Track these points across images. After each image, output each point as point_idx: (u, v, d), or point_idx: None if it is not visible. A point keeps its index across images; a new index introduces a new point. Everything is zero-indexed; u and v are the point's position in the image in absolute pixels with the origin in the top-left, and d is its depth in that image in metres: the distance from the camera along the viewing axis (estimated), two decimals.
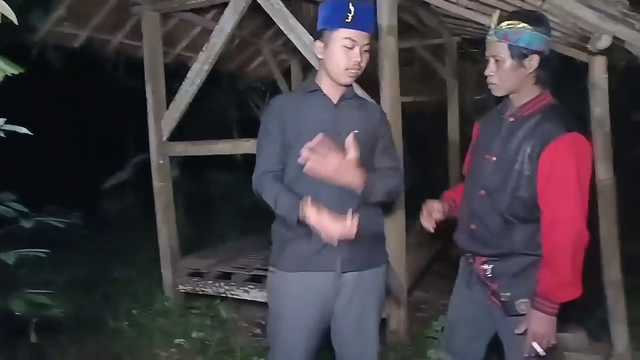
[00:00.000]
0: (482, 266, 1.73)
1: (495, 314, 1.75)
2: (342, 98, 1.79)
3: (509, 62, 1.62)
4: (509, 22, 1.61)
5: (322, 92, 1.78)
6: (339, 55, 1.69)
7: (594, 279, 2.55)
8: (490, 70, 1.67)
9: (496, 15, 1.66)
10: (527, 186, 1.61)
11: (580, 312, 3.10)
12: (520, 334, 1.62)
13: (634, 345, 2.73)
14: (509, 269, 1.67)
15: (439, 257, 4.56)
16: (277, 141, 1.75)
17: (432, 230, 1.86)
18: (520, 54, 1.61)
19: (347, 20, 1.65)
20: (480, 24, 3.09)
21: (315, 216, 1.60)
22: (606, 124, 2.65)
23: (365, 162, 1.78)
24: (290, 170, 1.75)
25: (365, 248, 1.78)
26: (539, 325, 1.57)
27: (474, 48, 5.64)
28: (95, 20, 3.69)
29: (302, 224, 1.65)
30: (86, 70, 5.70)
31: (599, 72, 2.65)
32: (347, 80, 1.74)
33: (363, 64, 1.73)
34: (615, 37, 2.24)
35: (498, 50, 1.63)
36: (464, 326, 1.89)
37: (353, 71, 1.71)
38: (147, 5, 3.60)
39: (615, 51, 2.51)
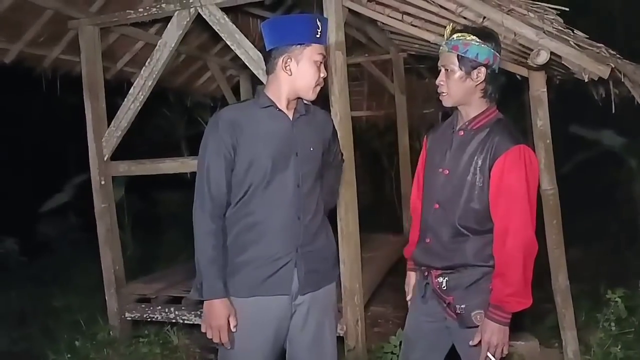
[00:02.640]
0: (437, 279, 1.74)
1: (451, 326, 1.75)
2: (297, 114, 1.75)
3: (457, 73, 1.67)
4: (460, 34, 1.66)
5: (278, 107, 1.71)
6: (312, 71, 1.66)
7: (542, 287, 2.62)
8: (440, 79, 1.71)
9: (449, 27, 1.71)
10: (479, 197, 1.65)
11: (531, 320, 3.19)
12: (475, 345, 1.63)
13: (582, 350, 2.82)
14: (462, 281, 1.69)
15: (394, 270, 4.58)
16: (224, 157, 1.65)
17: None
18: (468, 65, 1.65)
19: (317, 35, 1.63)
20: (426, 41, 3.17)
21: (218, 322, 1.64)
22: (548, 136, 2.75)
23: (317, 180, 1.78)
24: (244, 188, 1.67)
25: (320, 268, 1.75)
26: (492, 336, 1.59)
27: (420, 64, 5.79)
28: (28, 35, 3.49)
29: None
30: (20, 88, 5.40)
31: (538, 86, 2.75)
32: (313, 96, 1.71)
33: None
34: (552, 53, 2.34)
35: (448, 60, 1.67)
36: (420, 340, 1.88)
37: (319, 87, 1.71)
38: (85, 19, 3.44)
39: (552, 66, 2.63)
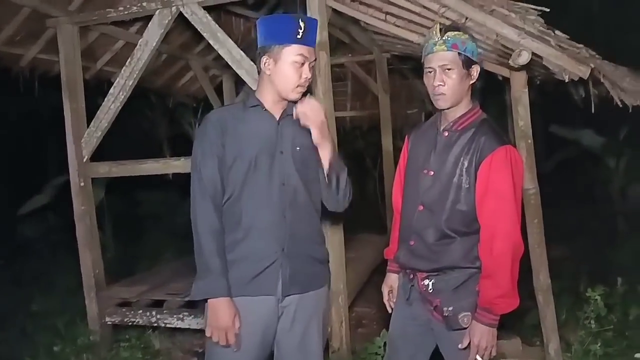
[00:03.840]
0: (423, 282, 1.73)
1: (437, 329, 1.75)
2: (284, 114, 1.74)
3: (459, 71, 1.64)
4: (454, 32, 1.64)
5: (264, 107, 1.72)
6: (290, 72, 1.65)
7: (523, 285, 2.64)
8: (439, 80, 1.64)
9: (437, 26, 1.67)
10: (466, 199, 1.65)
11: (513, 318, 3.21)
12: (463, 348, 1.63)
13: (564, 347, 2.85)
14: (449, 284, 1.68)
15: (379, 270, 4.58)
16: (216, 157, 1.67)
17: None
18: (468, 63, 1.65)
19: (298, 36, 1.61)
20: (409, 41, 3.17)
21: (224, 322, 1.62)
22: (529, 136, 2.78)
23: (307, 177, 1.75)
24: (230, 188, 1.69)
25: (307, 270, 1.74)
26: (481, 338, 1.59)
27: (403, 64, 5.81)
28: (4, 34, 3.40)
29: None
30: None
31: (520, 87, 2.78)
32: (296, 96, 1.70)
33: (310, 79, 1.70)
34: (534, 54, 2.36)
35: (448, 59, 1.62)
36: (405, 343, 1.87)
37: (302, 88, 1.68)
38: (64, 18, 3.36)
39: (533, 66, 2.65)
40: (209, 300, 1.64)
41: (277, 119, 1.73)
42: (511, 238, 1.58)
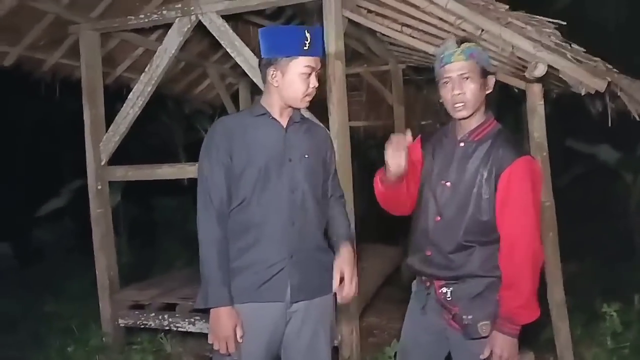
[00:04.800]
0: (441, 290, 1.71)
1: (453, 338, 1.72)
2: (291, 122, 1.76)
3: (478, 81, 1.65)
4: (470, 43, 1.66)
5: (271, 116, 1.74)
6: (299, 83, 1.67)
7: (538, 300, 2.62)
8: (459, 89, 1.64)
9: (453, 38, 1.70)
10: (486, 209, 1.64)
11: (526, 333, 3.17)
12: (484, 359, 1.61)
13: None
14: (468, 292, 1.66)
15: (389, 281, 4.57)
16: (222, 166, 1.68)
17: (402, 167, 1.62)
18: (485, 73, 1.67)
19: (304, 48, 1.63)
20: (425, 52, 3.19)
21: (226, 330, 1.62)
22: (544, 148, 2.77)
23: (314, 184, 1.76)
24: (240, 195, 1.69)
25: (314, 276, 1.74)
26: (503, 348, 1.58)
27: (418, 75, 5.82)
28: (28, 39, 3.49)
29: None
30: (18, 91, 5.39)
31: (535, 99, 2.78)
32: (304, 105, 1.73)
33: (316, 87, 1.72)
34: (550, 66, 2.36)
35: (467, 69, 1.63)
36: (417, 352, 1.86)
37: (310, 97, 1.71)
38: (86, 24, 3.45)
39: (549, 79, 2.65)
40: (211, 310, 1.65)
41: (285, 127, 1.75)
42: (531, 248, 1.58)
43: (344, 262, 1.74)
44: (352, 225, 2.92)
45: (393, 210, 1.87)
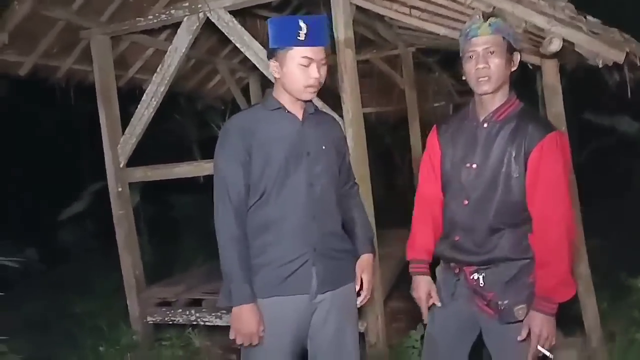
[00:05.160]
0: (472, 276, 1.69)
1: (487, 323, 1.71)
2: (306, 114, 1.76)
3: (503, 56, 1.62)
4: (497, 18, 1.63)
5: (286, 109, 1.73)
6: (297, 74, 1.65)
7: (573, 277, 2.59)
8: (484, 62, 1.61)
9: (479, 12, 1.71)
10: (516, 188, 1.62)
11: None
12: (522, 340, 1.60)
13: (606, 337, 2.79)
14: (501, 276, 1.65)
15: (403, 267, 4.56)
16: (240, 164, 1.67)
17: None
18: (511, 49, 1.64)
19: (299, 38, 1.61)
20: (435, 34, 3.15)
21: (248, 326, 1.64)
22: (562, 124, 2.72)
23: (333, 179, 1.77)
24: (259, 192, 1.69)
25: (337, 266, 1.75)
26: (542, 327, 1.56)
27: (428, 57, 5.76)
28: (41, 47, 3.53)
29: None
30: (35, 99, 5.48)
31: (552, 75, 2.73)
32: (308, 96, 1.70)
33: (322, 79, 1.69)
34: (565, 40, 2.32)
35: (493, 43, 1.60)
36: (446, 338, 1.84)
37: (313, 88, 1.68)
38: (96, 29, 3.48)
39: (565, 53, 2.60)
40: (233, 307, 1.66)
41: (301, 119, 1.74)
42: (565, 225, 1.56)
43: (363, 270, 1.80)
44: (371, 212, 2.94)
45: None
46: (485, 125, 1.69)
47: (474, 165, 1.69)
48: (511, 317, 1.62)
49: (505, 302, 1.62)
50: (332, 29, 2.81)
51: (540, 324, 1.56)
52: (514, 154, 1.61)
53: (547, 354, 1.59)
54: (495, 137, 1.65)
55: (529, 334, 1.59)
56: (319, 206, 1.72)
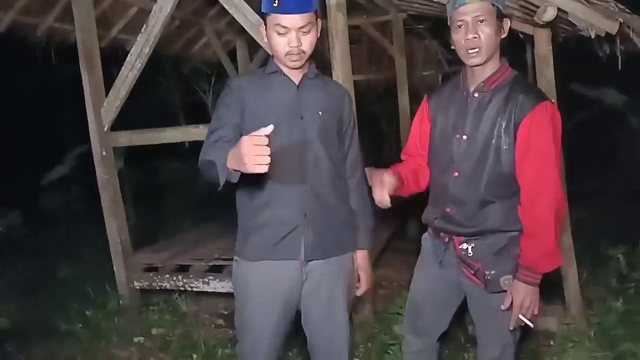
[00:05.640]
0: (461, 246, 1.70)
1: (472, 291, 1.73)
2: (304, 78, 1.72)
3: (493, 24, 1.57)
4: None
5: (283, 73, 1.71)
6: (275, 40, 1.62)
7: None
8: (473, 32, 1.56)
9: None
10: (506, 160, 1.60)
11: None
12: (505, 309, 1.63)
13: (585, 305, 2.88)
14: (489, 248, 1.66)
15: (397, 234, 4.62)
16: (234, 124, 1.66)
17: (389, 206, 1.59)
18: (501, 15, 1.59)
19: (274, 4, 1.56)
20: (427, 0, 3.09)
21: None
22: (553, 95, 2.72)
23: (329, 142, 1.74)
24: None
25: (331, 236, 1.74)
26: (525, 297, 1.58)
27: (419, 24, 5.67)
28: (20, 2, 3.39)
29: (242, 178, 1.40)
30: (13, 57, 5.29)
31: (544, 45, 2.71)
32: (292, 64, 1.66)
33: (306, 47, 1.63)
34: (559, 9, 2.28)
35: (482, 10, 1.55)
36: (430, 300, 1.87)
37: (294, 56, 1.63)
38: None
39: (558, 23, 2.57)
40: (230, 169, 1.39)
41: (297, 83, 1.71)
42: (554, 197, 1.55)
43: (360, 268, 1.86)
44: None
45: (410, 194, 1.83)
46: (476, 94, 1.66)
47: (464, 137, 1.66)
48: (497, 287, 1.64)
49: (492, 272, 1.64)
50: None
51: (523, 293, 1.58)
52: (504, 125, 1.59)
53: (528, 323, 1.62)
54: (487, 107, 1.63)
55: (512, 303, 1.61)
56: (311, 172, 1.70)
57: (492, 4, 1.56)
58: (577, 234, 2.89)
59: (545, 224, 1.55)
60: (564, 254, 2.75)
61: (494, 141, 1.61)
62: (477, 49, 1.58)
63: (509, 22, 1.62)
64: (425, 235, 1.91)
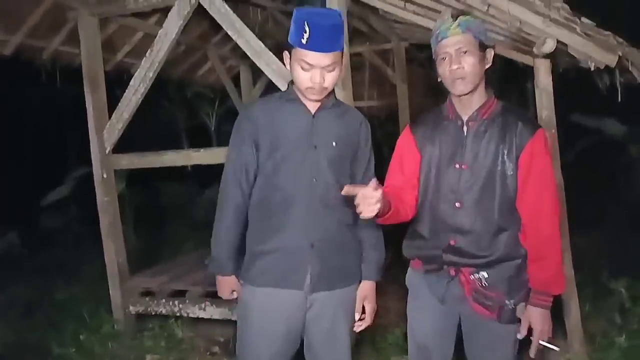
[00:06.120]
0: (472, 276, 1.65)
1: (475, 323, 1.68)
2: (321, 107, 1.72)
3: (476, 54, 1.59)
4: (467, 16, 1.61)
5: (300, 101, 1.70)
6: (298, 73, 1.62)
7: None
8: (457, 62, 1.58)
9: (448, 12, 1.65)
10: (512, 185, 1.62)
11: None
12: (514, 339, 1.63)
13: (587, 339, 2.81)
14: (502, 276, 1.63)
15: (392, 263, 4.55)
16: (249, 149, 1.72)
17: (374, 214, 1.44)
18: (483, 46, 1.61)
19: (302, 40, 1.55)
20: (428, 29, 3.12)
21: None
22: (553, 125, 2.73)
23: (341, 173, 1.73)
24: (262, 182, 1.72)
25: (336, 268, 1.73)
26: (543, 322, 1.57)
27: (421, 53, 5.74)
28: (27, 26, 3.44)
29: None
30: (20, 80, 5.36)
31: (544, 76, 2.73)
32: (311, 97, 1.66)
33: (328, 84, 1.63)
34: (559, 41, 2.31)
35: (464, 43, 1.57)
36: (440, 345, 1.78)
37: (315, 91, 1.62)
38: (84, 10, 3.39)
39: (558, 54, 2.59)
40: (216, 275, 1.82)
41: (313, 112, 1.70)
42: (556, 219, 1.60)
43: (365, 297, 1.81)
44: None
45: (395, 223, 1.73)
46: (472, 123, 1.66)
47: (464, 166, 1.65)
48: (511, 318, 1.61)
49: (512, 301, 1.62)
50: (342, 31, 2.76)
51: (540, 318, 1.57)
52: (506, 153, 1.61)
53: (553, 347, 1.61)
54: (483, 136, 1.64)
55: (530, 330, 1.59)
56: (321, 203, 1.69)
57: (474, 36, 1.58)
58: (577, 263, 2.85)
59: (551, 242, 1.59)
60: (566, 286, 2.71)
61: (498, 169, 1.62)
62: (462, 78, 1.60)
63: (492, 51, 1.65)
64: (410, 273, 1.83)
